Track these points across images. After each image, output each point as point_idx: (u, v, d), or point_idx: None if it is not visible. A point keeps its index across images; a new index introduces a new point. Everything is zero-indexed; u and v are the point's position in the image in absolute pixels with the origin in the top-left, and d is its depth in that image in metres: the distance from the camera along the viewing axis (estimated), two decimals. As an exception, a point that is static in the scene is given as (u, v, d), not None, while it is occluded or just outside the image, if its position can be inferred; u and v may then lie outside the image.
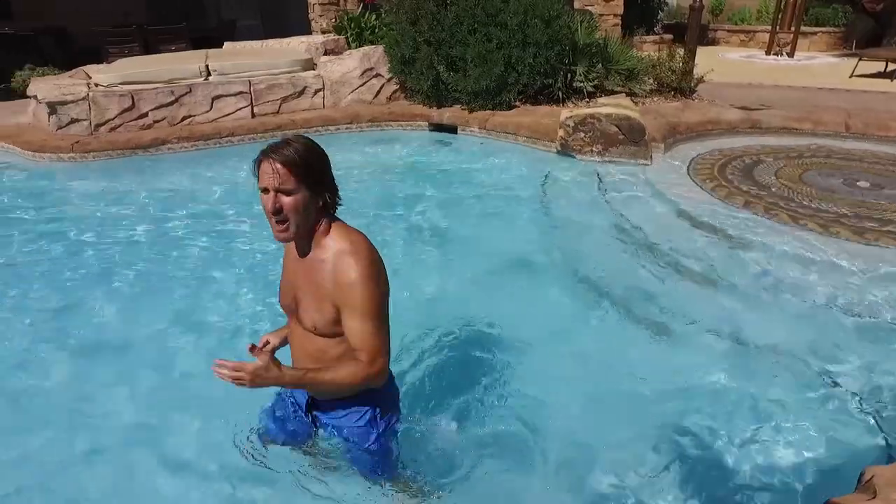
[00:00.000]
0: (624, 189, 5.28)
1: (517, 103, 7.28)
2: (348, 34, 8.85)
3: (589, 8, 10.23)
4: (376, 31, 8.78)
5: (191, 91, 7.15)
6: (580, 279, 3.88)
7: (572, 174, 5.78)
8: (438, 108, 7.34)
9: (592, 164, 5.92)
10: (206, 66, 7.41)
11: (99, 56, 9.73)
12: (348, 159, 6.48)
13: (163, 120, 7.05)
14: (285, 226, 1.59)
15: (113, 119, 6.91)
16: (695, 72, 7.41)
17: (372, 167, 6.28)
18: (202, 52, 8.36)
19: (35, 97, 6.98)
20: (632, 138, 5.90)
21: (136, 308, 3.69)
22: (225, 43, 9.43)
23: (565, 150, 6.17)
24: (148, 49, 10.26)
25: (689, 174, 5.42)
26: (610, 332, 3.35)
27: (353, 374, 1.62)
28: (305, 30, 9.85)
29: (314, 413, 1.90)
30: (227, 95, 7.28)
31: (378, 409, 1.83)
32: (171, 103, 7.08)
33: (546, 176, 5.76)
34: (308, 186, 1.58)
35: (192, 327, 3.45)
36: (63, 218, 5.28)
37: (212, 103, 7.22)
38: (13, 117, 7.50)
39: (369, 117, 7.37)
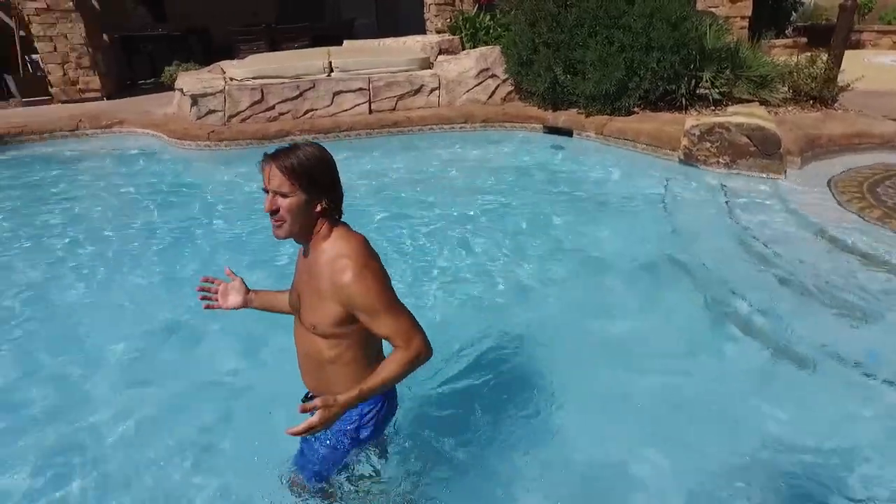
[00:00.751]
0: (753, 205, 4.93)
1: (636, 109, 7.01)
2: (463, 34, 8.92)
3: (713, 10, 9.65)
4: (490, 31, 8.79)
5: (314, 86, 7.52)
6: (705, 301, 3.65)
7: (695, 186, 5.48)
8: (554, 110, 7.23)
9: (718, 176, 5.58)
10: (329, 62, 7.75)
11: (231, 53, 10.47)
12: (461, 158, 6.55)
13: (287, 113, 7.47)
14: (280, 224, 1.68)
15: (244, 111, 7.41)
16: (839, 78, 6.78)
17: (483, 167, 6.30)
18: (325, 49, 8.77)
19: (181, 90, 7.62)
20: (764, 150, 5.50)
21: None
22: (345, 41, 9.82)
23: (688, 160, 5.86)
24: (274, 46, 10.90)
25: (830, 192, 4.97)
26: (738, 361, 3.13)
27: (399, 362, 1.68)
28: (418, 29, 10.03)
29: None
30: (347, 91, 7.58)
31: (366, 416, 1.87)
32: (296, 97, 7.48)
33: (666, 186, 5.50)
34: (305, 191, 1.64)
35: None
36: (198, 197, 5.78)
37: (332, 98, 7.55)
38: (161, 108, 8.25)
39: (483, 117, 7.40)
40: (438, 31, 9.57)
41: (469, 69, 7.71)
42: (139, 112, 8.30)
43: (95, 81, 9.39)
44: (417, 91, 7.73)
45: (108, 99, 9.41)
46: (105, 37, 10.04)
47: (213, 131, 7.17)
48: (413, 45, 8.81)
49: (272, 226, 1.70)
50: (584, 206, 5.17)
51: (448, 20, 9.57)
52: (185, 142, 7.18)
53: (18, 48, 9.50)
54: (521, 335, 3.30)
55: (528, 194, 5.51)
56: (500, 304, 3.73)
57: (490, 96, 7.80)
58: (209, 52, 10.94)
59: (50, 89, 9.23)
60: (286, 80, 7.49)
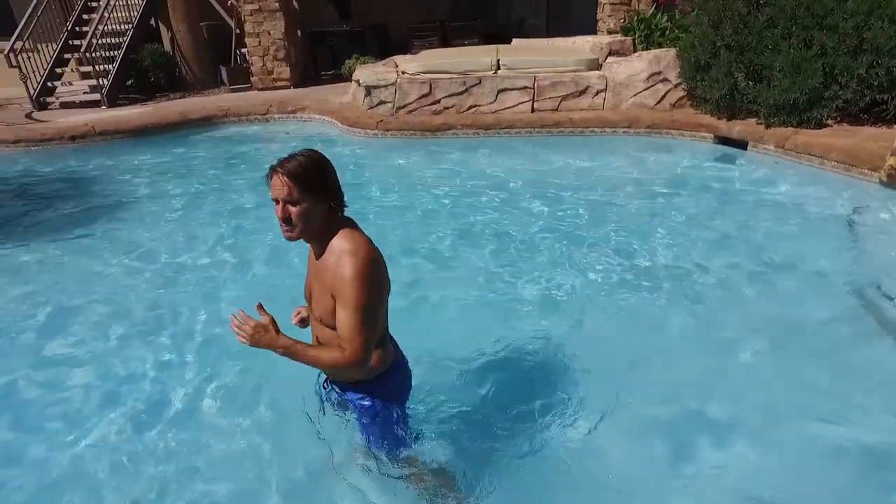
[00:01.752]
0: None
1: (829, 122, 6.22)
2: (636, 35, 8.56)
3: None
4: (666, 33, 8.32)
5: (480, 83, 7.70)
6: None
7: (899, 214, 4.73)
8: (728, 119, 6.66)
9: (932, 204, 4.76)
10: (497, 60, 7.88)
11: (405, 48, 11.08)
12: (621, 164, 6.31)
13: (452, 107, 7.74)
14: (291, 229, 1.78)
15: (412, 103, 7.81)
16: None
17: (643, 174, 6.00)
18: (493, 46, 8.93)
19: (357, 81, 8.25)
20: None
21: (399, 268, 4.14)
22: (513, 39, 9.92)
23: (893, 183, 5.08)
24: (445, 42, 11.35)
25: None
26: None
27: (333, 359, 1.78)
28: (588, 29, 9.81)
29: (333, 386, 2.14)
30: (511, 89, 7.66)
31: (377, 400, 2.03)
32: (462, 93, 7.72)
33: (861, 212, 4.81)
34: (311, 196, 1.74)
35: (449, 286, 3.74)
36: (361, 178, 6.22)
37: (496, 95, 7.68)
38: (338, 97, 9.00)
39: (648, 123, 7.05)
40: (610, 32, 9.28)
41: (639, 72, 7.38)
42: (319, 100, 9.12)
43: (286, 72, 10.51)
44: (582, 92, 7.58)
45: (294, 87, 10.49)
46: (298, 32, 11.21)
47: (381, 121, 7.67)
48: (582, 45, 8.64)
49: (283, 231, 1.79)
50: (757, 229, 4.64)
51: (622, 20, 9.24)
52: (355, 129, 7.76)
53: (233, 43, 10.96)
54: (694, 378, 3.00)
55: (690, 208, 5.11)
56: (655, 324, 3.51)
57: (658, 101, 7.40)
58: (385, 46, 11.68)
59: (251, 78, 10.51)
60: (454, 76, 7.76)
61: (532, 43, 9.51)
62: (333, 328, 1.82)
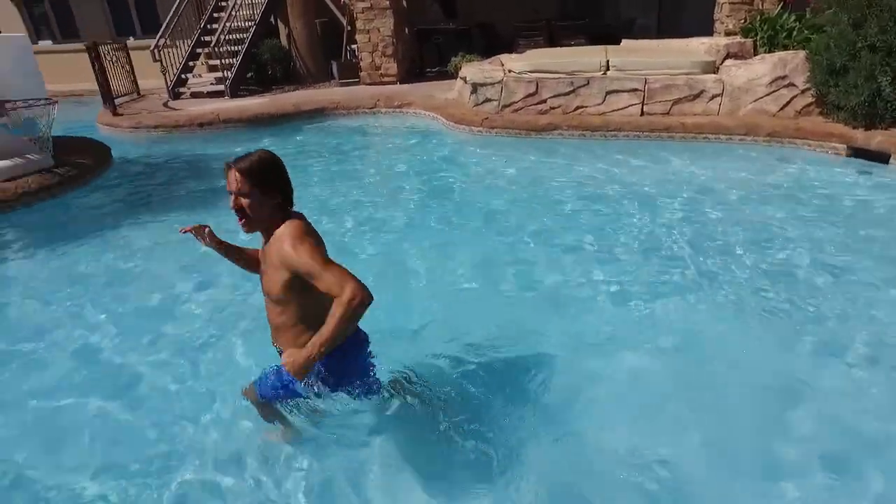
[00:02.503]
0: None
1: None
2: (758, 37, 8.05)
3: None
4: (794, 34, 7.77)
5: (588, 83, 7.57)
6: None
7: None
8: (866, 129, 6.12)
9: None
10: (607, 61, 7.70)
11: (510, 47, 11.08)
12: (735, 174, 5.93)
13: (558, 107, 7.66)
14: (243, 220, 2.01)
15: (517, 102, 7.82)
16: None
17: (762, 187, 5.59)
18: (602, 47, 8.73)
19: (464, 78, 8.36)
20: None
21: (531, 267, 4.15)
22: (623, 40, 9.65)
23: None
24: (551, 42, 11.23)
25: None
26: None
27: (339, 311, 1.84)
28: (702, 30, 9.35)
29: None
30: (620, 91, 7.47)
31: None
32: (569, 93, 7.63)
33: None
34: (261, 190, 1.97)
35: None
36: (460, 173, 6.35)
37: (605, 97, 7.52)
38: (443, 93, 9.17)
39: (769, 130, 6.62)
40: (728, 33, 8.81)
41: (761, 76, 6.95)
42: (424, 96, 9.34)
43: (393, 68, 10.83)
44: (696, 96, 7.25)
45: (400, 83, 10.78)
46: (405, 30, 11.51)
47: (486, 118, 7.73)
48: (697, 47, 8.26)
49: (239, 224, 2.02)
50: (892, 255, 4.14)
51: (742, 21, 8.74)
52: (460, 125, 7.88)
53: (345, 40, 11.46)
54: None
55: (816, 229, 4.58)
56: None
57: (782, 108, 6.93)
58: (490, 45, 11.74)
59: (360, 73, 10.93)
60: (562, 76, 7.68)
61: (643, 44, 9.21)
62: (278, 304, 2.10)
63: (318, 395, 2.29)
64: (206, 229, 2.35)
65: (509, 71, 8.16)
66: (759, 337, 3.29)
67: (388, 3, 10.43)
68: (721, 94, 7.18)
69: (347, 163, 7.02)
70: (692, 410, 2.74)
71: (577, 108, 7.61)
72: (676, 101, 7.30)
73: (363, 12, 10.54)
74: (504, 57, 9.12)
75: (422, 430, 2.62)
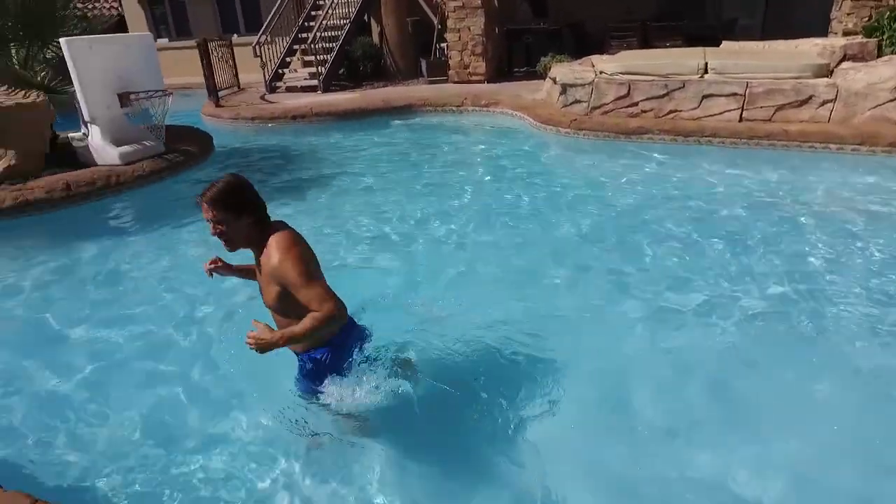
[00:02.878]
0: None
1: None
2: (885, 36, 7.40)
3: None
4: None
5: (683, 87, 7.25)
6: None
7: None
8: None
9: None
10: (705, 63, 7.35)
11: (602, 48, 10.82)
12: (845, 190, 5.43)
13: (650, 111, 7.40)
14: (226, 242, 2.19)
15: (608, 104, 7.62)
16: None
17: (882, 206, 5.08)
18: (700, 49, 8.33)
19: (553, 79, 8.25)
20: None
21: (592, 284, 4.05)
22: (723, 42, 9.18)
23: None
24: (645, 43, 10.86)
25: None
26: None
27: (312, 319, 2.05)
28: (813, 31, 8.71)
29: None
30: (717, 95, 7.10)
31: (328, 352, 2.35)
32: (662, 96, 7.35)
33: None
34: (231, 213, 2.11)
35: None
36: (547, 174, 6.29)
37: (700, 101, 7.18)
38: (531, 94, 9.10)
39: (891, 140, 6.06)
40: (847, 33, 8.17)
41: (885, 79, 6.36)
42: (512, 95, 9.30)
43: (482, 67, 10.86)
44: (804, 102, 6.76)
45: (487, 82, 10.80)
46: (495, 29, 11.50)
47: (575, 119, 7.59)
48: (808, 48, 7.71)
49: (224, 246, 2.21)
50: None
51: (865, 19, 8.07)
52: (547, 126, 7.78)
53: (435, 38, 11.62)
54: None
55: None
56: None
57: (906, 116, 6.33)
58: (581, 46, 11.52)
59: (448, 71, 11.04)
60: (655, 78, 7.41)
61: (745, 46, 8.71)
62: (282, 314, 2.22)
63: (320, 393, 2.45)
64: (220, 263, 2.51)
65: (600, 72, 7.96)
66: None
67: (479, 2, 10.48)
68: (833, 100, 6.66)
69: (433, 158, 7.13)
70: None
71: (670, 111, 7.31)
72: (780, 107, 6.84)
73: (455, 11, 10.64)
74: (595, 58, 8.92)
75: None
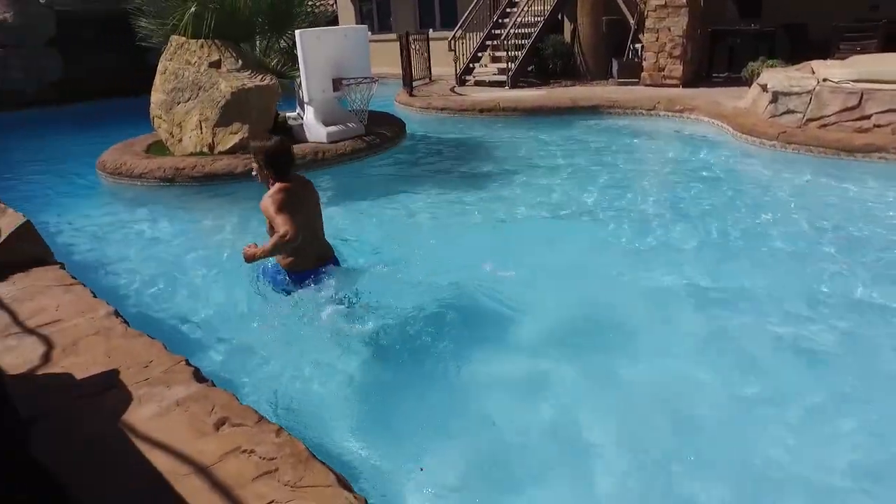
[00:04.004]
0: None
1: None
2: None
3: None
4: None
5: (937, 101, 6.14)
6: None
7: None
8: None
9: None
10: (971, 74, 6.14)
11: (825, 51, 9.54)
12: None
13: (886, 126, 6.37)
14: (255, 177, 3.26)
15: (829, 116, 6.72)
16: None
17: None
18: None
19: (763, 86, 7.48)
20: None
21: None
22: None
23: None
24: (888, 45, 9.33)
25: None
26: None
27: (273, 240, 2.98)
28: None
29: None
30: (984, 113, 5.89)
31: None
32: (905, 110, 6.29)
33: None
34: (258, 162, 3.16)
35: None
36: (744, 190, 5.70)
37: (957, 118, 6.02)
38: (732, 101, 8.35)
39: None
40: None
41: None
42: (710, 101, 8.62)
43: (678, 70, 10.21)
44: None
45: (683, 87, 10.13)
46: (698, 30, 10.71)
47: (784, 132, 6.81)
48: None
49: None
50: None
51: None
52: (750, 137, 7.09)
53: (630, 38, 11.19)
54: None
55: None
56: None
57: None
58: (798, 49, 10.26)
59: (641, 73, 10.56)
60: (900, 89, 6.36)
61: None
62: (270, 236, 3.09)
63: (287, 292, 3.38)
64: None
65: (824, 80, 7.04)
66: None
67: (684, 1, 9.84)
68: None
69: (618, 162, 6.88)
70: None
71: (915, 129, 6.23)
72: None
73: (655, 10, 10.12)
74: (817, 63, 7.89)
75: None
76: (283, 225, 2.90)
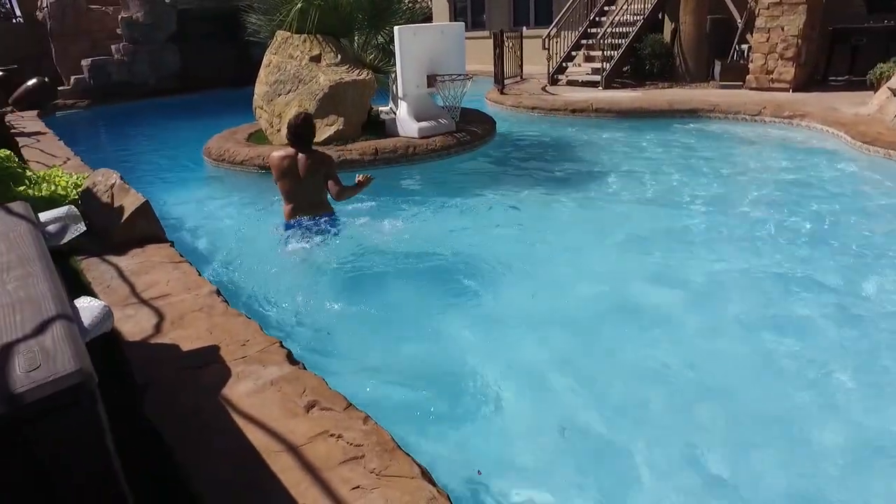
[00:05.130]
0: None
1: None
2: None
3: None
4: None
5: None
6: None
7: None
8: None
9: None
10: None
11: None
12: None
13: None
14: None
15: (970, 128, 6.01)
16: None
17: None
18: None
19: (894, 90, 6.81)
20: None
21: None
22: None
23: None
24: None
25: None
26: None
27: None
28: None
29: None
30: None
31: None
32: None
33: None
34: (290, 135, 4.31)
35: None
36: (869, 207, 5.17)
37: None
38: (852, 107, 7.68)
39: None
40: None
41: None
42: (825, 108, 7.97)
43: (789, 73, 9.51)
44: None
45: (793, 91, 9.42)
46: (816, 30, 9.90)
47: (915, 144, 6.17)
48: None
49: None
50: None
51: None
52: (872, 147, 6.47)
53: (736, 38, 10.53)
54: None
55: None
56: None
57: None
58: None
59: (745, 76, 9.92)
60: None
61: None
62: None
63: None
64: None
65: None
66: None
67: (804, -3, 9.13)
68: None
69: (716, 170, 6.48)
70: None
71: None
72: None
73: (768, 8, 9.47)
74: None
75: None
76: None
